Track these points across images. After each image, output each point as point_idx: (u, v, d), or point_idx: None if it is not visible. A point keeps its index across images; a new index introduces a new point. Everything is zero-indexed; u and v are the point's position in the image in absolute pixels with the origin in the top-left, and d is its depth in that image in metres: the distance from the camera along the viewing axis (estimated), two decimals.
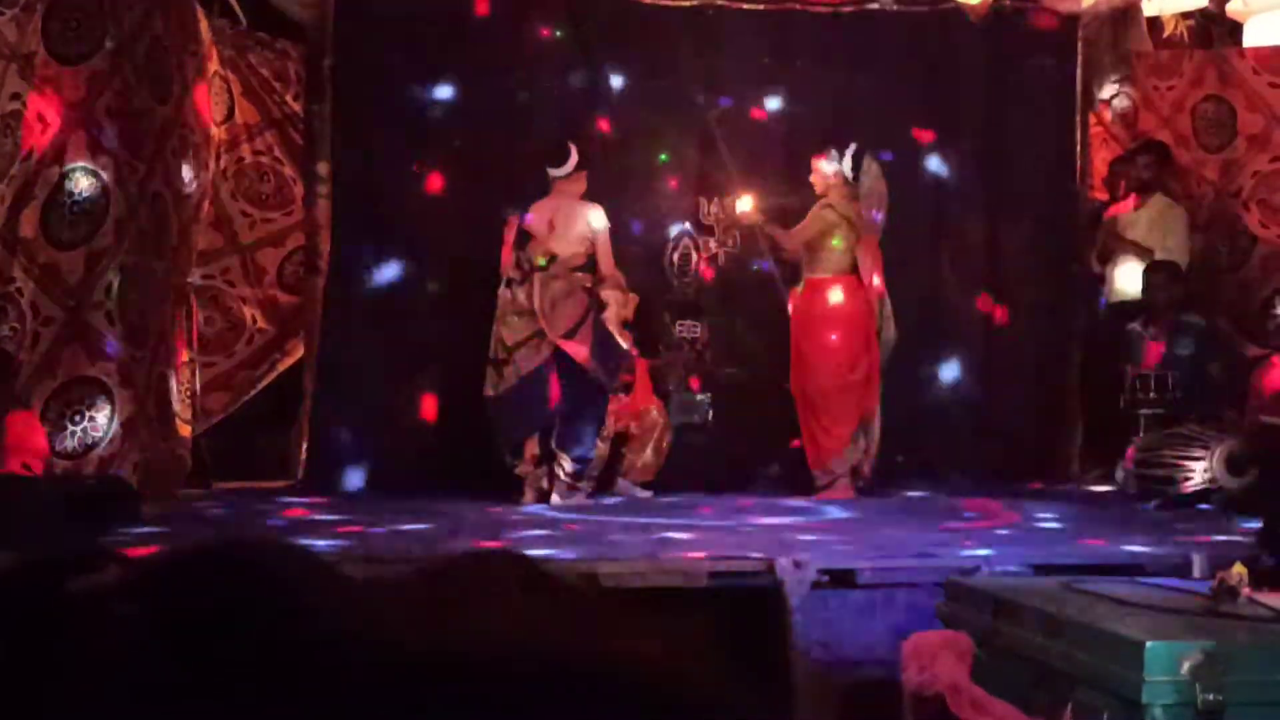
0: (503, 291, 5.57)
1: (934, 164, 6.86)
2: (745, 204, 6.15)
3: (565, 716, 0.45)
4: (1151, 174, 6.69)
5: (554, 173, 5.59)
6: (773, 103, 6.69)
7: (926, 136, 6.84)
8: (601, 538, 4.33)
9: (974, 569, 3.58)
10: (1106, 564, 3.69)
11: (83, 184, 5.05)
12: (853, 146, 5.97)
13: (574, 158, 5.55)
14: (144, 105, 5.36)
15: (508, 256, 5.58)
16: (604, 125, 6.50)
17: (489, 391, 5.52)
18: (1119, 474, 6.03)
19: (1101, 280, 6.88)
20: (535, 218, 5.55)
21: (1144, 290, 6.42)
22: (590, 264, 5.58)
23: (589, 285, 5.57)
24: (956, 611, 2.99)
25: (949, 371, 6.82)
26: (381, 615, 0.48)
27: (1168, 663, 2.22)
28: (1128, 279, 6.61)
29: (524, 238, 5.55)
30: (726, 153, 6.47)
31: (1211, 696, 2.20)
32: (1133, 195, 6.76)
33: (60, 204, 5.00)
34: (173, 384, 5.72)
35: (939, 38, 6.84)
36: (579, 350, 5.42)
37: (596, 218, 5.57)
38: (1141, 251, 6.59)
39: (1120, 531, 4.59)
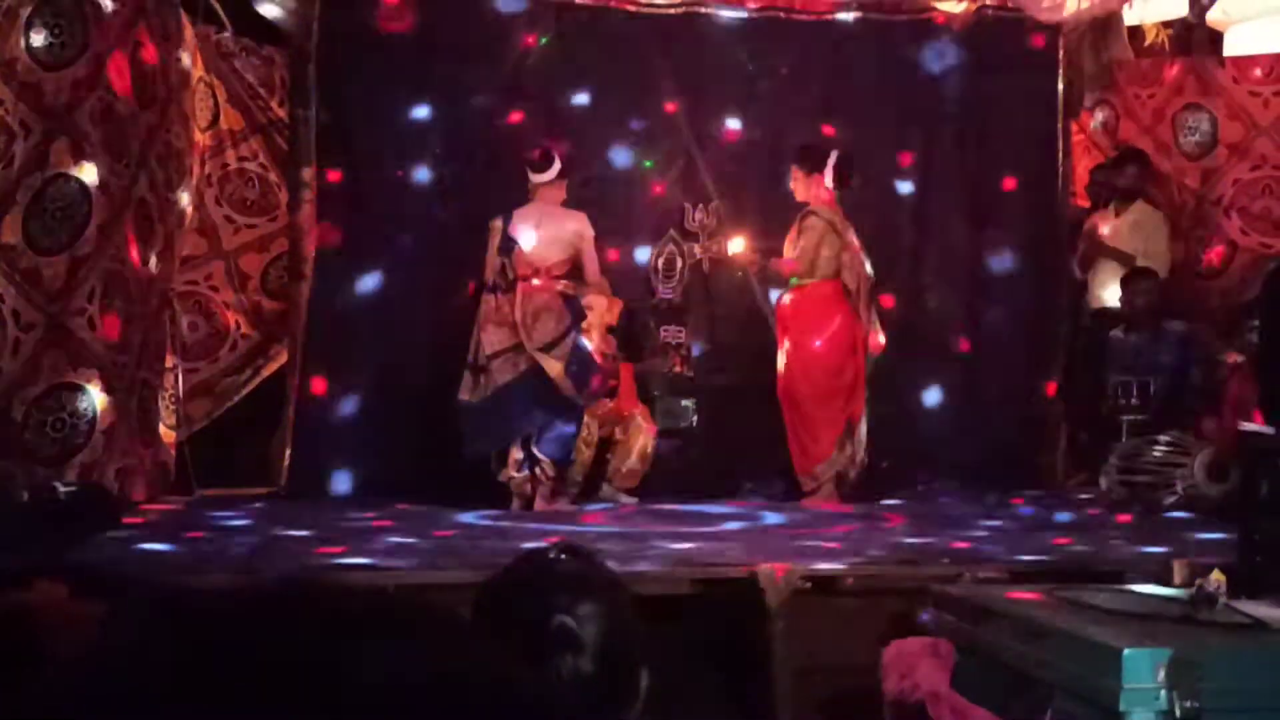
0: (485, 297, 5.57)
1: (917, 171, 6.88)
2: (738, 245, 6.19)
3: None
4: (1130, 182, 6.75)
5: (536, 178, 5.59)
6: (754, 110, 6.71)
7: (909, 142, 6.87)
8: (585, 544, 4.32)
9: (955, 576, 3.59)
10: (1087, 571, 3.71)
11: (65, 190, 5.03)
12: (834, 154, 5.99)
13: (556, 164, 5.56)
14: (127, 111, 5.35)
15: (491, 262, 5.59)
16: (589, 130, 6.52)
17: (464, 396, 5.52)
18: (1102, 481, 6.05)
19: (1084, 287, 6.92)
20: (520, 225, 5.56)
21: (1124, 297, 6.47)
22: (574, 271, 5.58)
23: (571, 295, 5.57)
24: (938, 618, 3.00)
25: (934, 378, 6.85)
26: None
27: (1145, 670, 2.24)
28: (1109, 286, 6.66)
29: (508, 244, 5.56)
30: (708, 171, 6.52)
31: (1188, 703, 2.22)
32: (1114, 203, 6.81)
33: (43, 210, 4.99)
34: (156, 390, 5.70)
35: (921, 46, 6.87)
36: (554, 366, 5.42)
37: (581, 225, 5.57)
38: (1123, 258, 6.64)
39: (1101, 538, 4.61)
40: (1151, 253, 6.63)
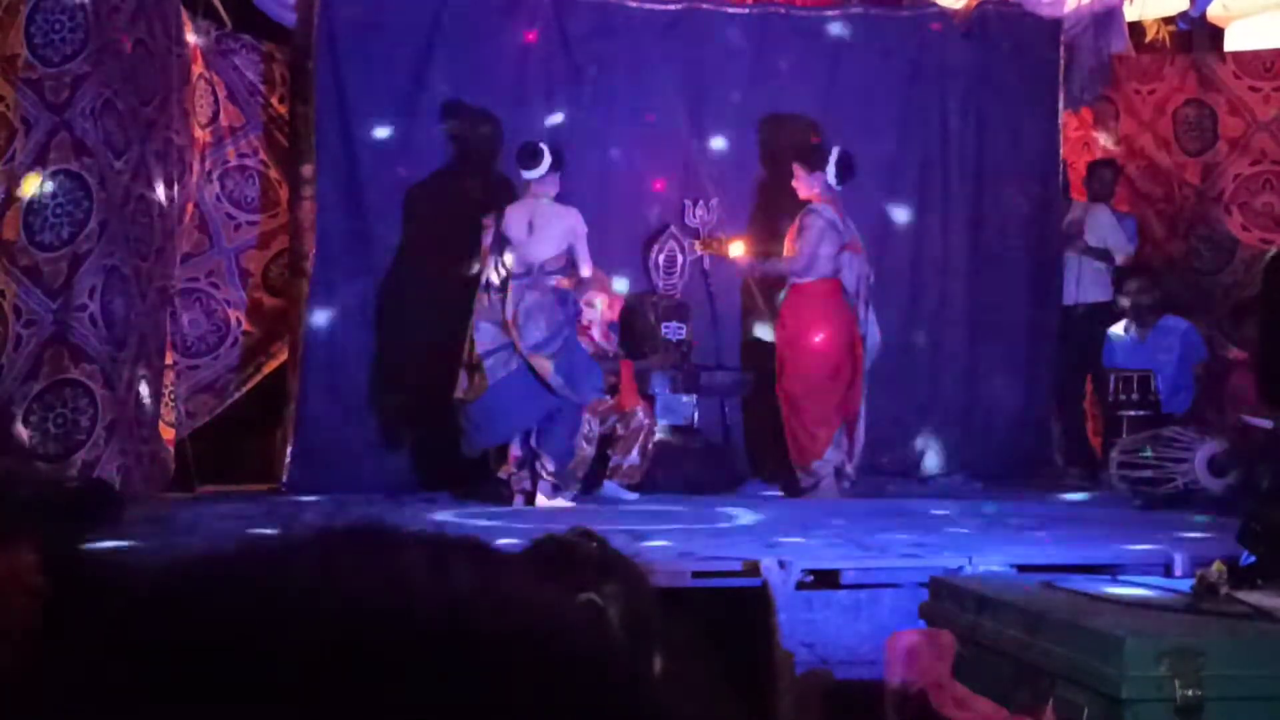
0: (479, 295, 5.57)
1: (917, 166, 6.88)
2: (738, 249, 6.21)
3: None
4: (1102, 188, 6.86)
5: (527, 175, 5.58)
6: (755, 106, 6.71)
7: (910, 138, 6.87)
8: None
9: (957, 568, 3.59)
10: (1088, 563, 3.70)
11: (66, 186, 5.03)
12: (835, 151, 5.98)
13: (547, 159, 5.54)
14: (128, 107, 5.34)
15: (485, 260, 5.59)
16: (589, 126, 6.52)
17: (459, 395, 5.52)
18: (1102, 475, 6.07)
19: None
20: (513, 222, 5.55)
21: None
22: (569, 267, 5.57)
23: (566, 291, 5.56)
24: (940, 609, 3.00)
25: (933, 373, 6.85)
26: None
27: (1147, 658, 2.24)
28: (1093, 281, 6.74)
29: (501, 242, 5.55)
30: (709, 167, 6.53)
31: (1190, 692, 2.22)
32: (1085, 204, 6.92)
33: (43, 206, 4.99)
34: (156, 387, 5.70)
35: (922, 40, 6.87)
36: (544, 366, 5.40)
37: (573, 220, 5.55)
38: (1100, 254, 6.73)
39: (1102, 531, 4.61)
40: (1116, 244, 6.73)
